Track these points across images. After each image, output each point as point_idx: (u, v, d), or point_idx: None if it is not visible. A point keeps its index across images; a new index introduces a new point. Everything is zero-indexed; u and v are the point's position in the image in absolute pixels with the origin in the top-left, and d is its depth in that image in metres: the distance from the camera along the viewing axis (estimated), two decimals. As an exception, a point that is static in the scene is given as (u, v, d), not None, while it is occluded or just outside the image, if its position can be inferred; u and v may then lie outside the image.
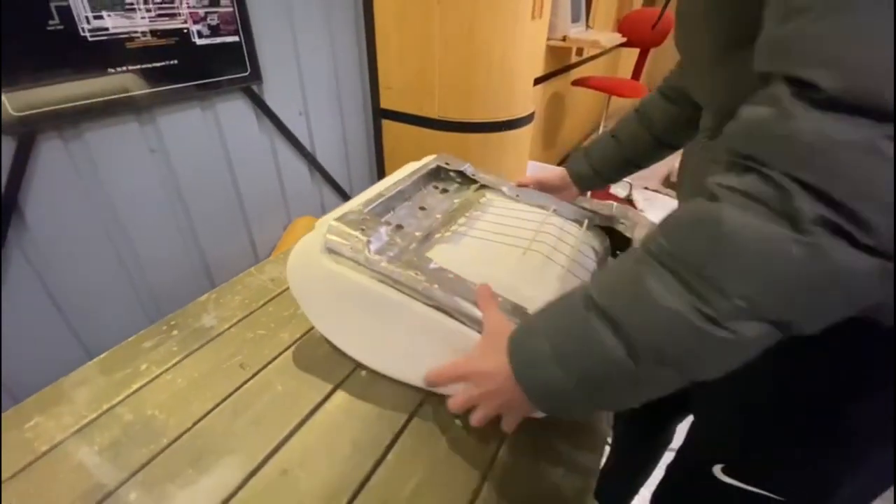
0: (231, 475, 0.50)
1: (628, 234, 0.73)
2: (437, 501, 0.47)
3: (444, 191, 0.79)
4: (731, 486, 0.52)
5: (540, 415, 0.45)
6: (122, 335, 0.67)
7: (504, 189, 0.82)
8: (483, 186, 0.82)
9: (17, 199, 0.90)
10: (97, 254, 1.06)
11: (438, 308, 0.52)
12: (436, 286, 0.52)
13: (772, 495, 0.49)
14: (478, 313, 0.49)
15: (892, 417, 0.41)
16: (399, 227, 0.64)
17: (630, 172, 0.77)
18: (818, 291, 0.27)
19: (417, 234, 0.62)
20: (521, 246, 0.62)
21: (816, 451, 0.46)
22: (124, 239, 1.10)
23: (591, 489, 0.49)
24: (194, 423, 0.55)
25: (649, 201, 2.68)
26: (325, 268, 0.57)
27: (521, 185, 0.82)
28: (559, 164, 0.78)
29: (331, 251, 0.57)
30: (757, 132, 0.28)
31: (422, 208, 0.72)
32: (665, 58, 4.71)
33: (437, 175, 0.82)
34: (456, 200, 0.76)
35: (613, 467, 1.06)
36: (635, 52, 2.89)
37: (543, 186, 0.82)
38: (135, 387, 0.60)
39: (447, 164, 0.83)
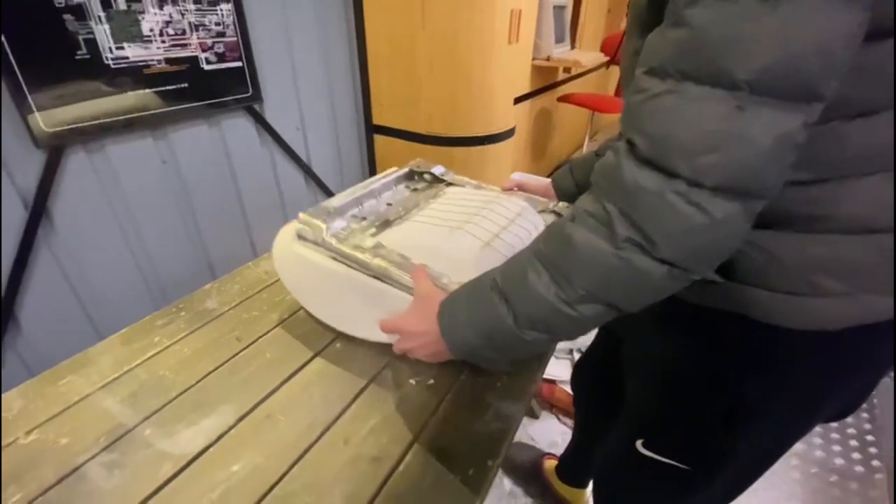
0: (226, 418, 0.62)
1: None
2: (388, 437, 0.60)
3: (414, 189, 0.92)
4: (649, 458, 0.60)
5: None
6: (131, 323, 0.79)
7: (466, 185, 0.93)
8: (450, 184, 0.93)
9: (46, 204, 1.04)
10: (114, 251, 1.19)
11: (375, 276, 0.65)
12: (375, 260, 0.65)
13: (681, 465, 0.58)
14: (406, 279, 0.62)
15: (761, 397, 0.49)
16: (363, 218, 0.77)
17: None
18: (631, 286, 0.39)
19: (376, 222, 0.76)
20: (456, 225, 0.73)
21: (712, 427, 0.53)
22: (138, 239, 1.24)
23: (512, 431, 0.61)
24: (197, 381, 0.68)
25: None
26: (294, 250, 0.71)
27: (506, 190, 0.93)
28: (549, 175, 0.86)
29: (300, 237, 0.71)
30: (604, 172, 0.40)
31: (388, 204, 0.85)
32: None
33: (410, 177, 0.95)
34: (420, 196, 0.88)
35: (574, 451, 1.17)
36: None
37: (527, 193, 0.93)
38: (149, 354, 0.73)
39: (418, 167, 0.95)
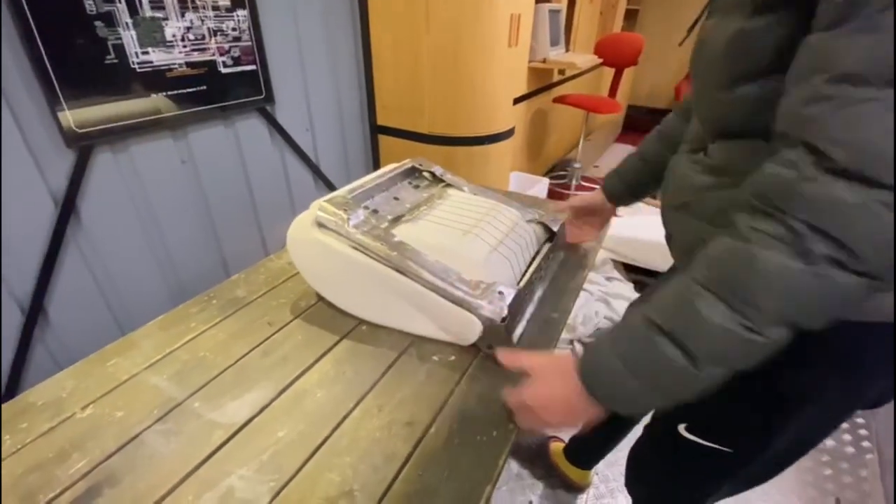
0: (266, 392, 0.68)
1: (553, 228, 0.94)
2: (418, 405, 0.65)
3: (416, 186, 0.99)
4: (692, 441, 0.62)
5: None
6: (150, 316, 0.84)
7: (465, 188, 1.01)
8: (448, 185, 1.01)
9: (75, 201, 1.09)
10: (136, 248, 1.24)
11: (396, 269, 0.71)
12: (395, 253, 0.71)
13: (723, 448, 0.60)
14: (425, 274, 0.69)
15: (815, 384, 0.51)
16: (375, 210, 0.83)
17: (658, 187, 0.77)
18: (826, 303, 0.36)
19: (389, 216, 0.82)
20: (466, 229, 0.81)
21: (755, 410, 0.55)
22: (158, 235, 1.28)
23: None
24: (236, 361, 0.74)
25: (628, 209, 2.89)
26: (314, 237, 0.77)
27: (561, 211, 0.97)
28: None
29: (320, 225, 0.77)
30: (781, 188, 0.36)
31: (395, 198, 0.91)
32: (639, 77, 4.99)
33: (412, 174, 1.02)
34: (424, 194, 0.95)
35: (586, 434, 1.21)
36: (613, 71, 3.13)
37: (585, 208, 0.95)
38: (188, 338, 0.79)
39: (420, 164, 1.02)
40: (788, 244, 0.35)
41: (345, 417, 0.63)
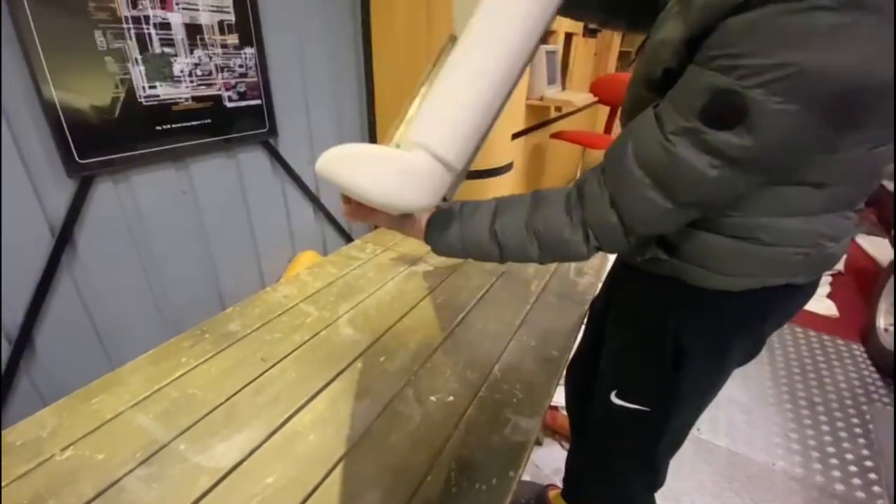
0: (257, 433, 0.65)
1: None
2: (414, 449, 0.63)
3: None
4: (619, 405, 0.72)
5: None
6: (141, 348, 0.82)
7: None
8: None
9: (72, 231, 1.09)
10: (129, 277, 1.23)
11: None
12: None
13: (643, 408, 0.70)
14: None
15: (701, 339, 0.63)
16: None
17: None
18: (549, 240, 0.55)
19: None
20: None
21: (662, 370, 0.66)
22: (153, 264, 1.27)
23: (531, 444, 0.65)
24: (226, 399, 0.71)
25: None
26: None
27: None
28: None
29: None
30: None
31: None
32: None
33: None
34: None
35: (572, 459, 1.19)
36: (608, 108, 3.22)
37: None
38: (178, 374, 0.76)
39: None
40: (578, 229, 0.52)
41: (337, 462, 0.61)
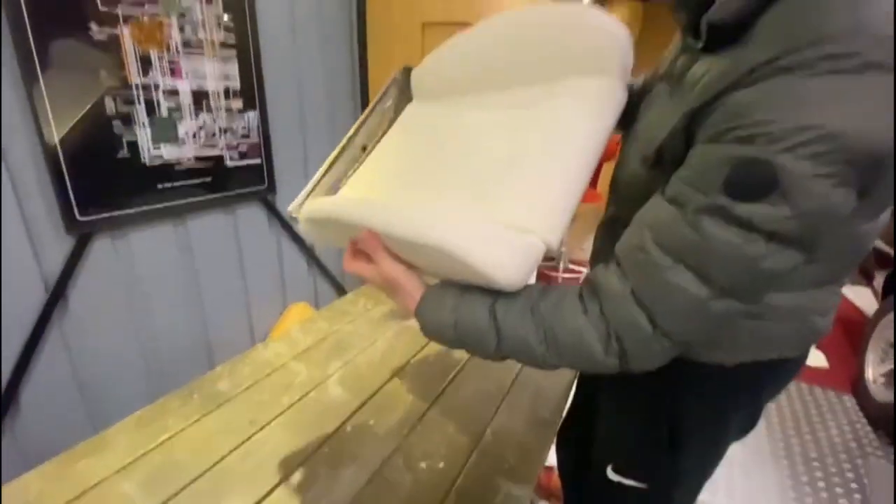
0: (243, 502, 0.64)
1: None
2: (402, 521, 0.62)
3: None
4: (616, 482, 0.70)
5: None
6: (128, 406, 0.81)
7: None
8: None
9: (66, 287, 1.09)
10: (120, 334, 1.22)
11: None
12: None
13: (641, 485, 0.68)
14: None
15: (697, 415, 0.62)
16: None
17: None
18: (580, 359, 0.49)
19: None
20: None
21: (659, 447, 0.65)
22: (144, 321, 1.27)
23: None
24: (213, 465, 0.70)
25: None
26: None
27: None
28: None
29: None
30: (592, 281, 0.49)
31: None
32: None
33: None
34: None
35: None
36: (593, 164, 3.36)
37: None
38: (164, 437, 0.75)
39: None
40: (603, 340, 0.45)
41: (324, 535, 0.59)
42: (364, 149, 0.76)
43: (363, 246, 0.55)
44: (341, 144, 0.75)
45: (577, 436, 1.03)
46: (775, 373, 0.62)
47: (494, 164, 0.56)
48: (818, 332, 0.59)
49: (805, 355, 0.64)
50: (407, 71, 0.78)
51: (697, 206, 0.41)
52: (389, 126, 0.77)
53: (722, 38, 0.43)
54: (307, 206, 0.64)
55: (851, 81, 0.34)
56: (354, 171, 0.74)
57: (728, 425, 0.65)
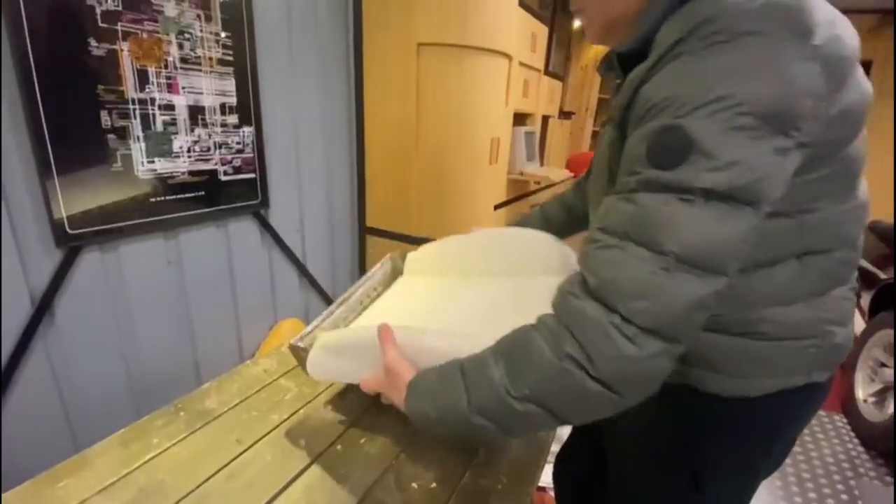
0: (227, 526, 0.62)
1: None
2: (392, 544, 0.60)
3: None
4: None
5: None
6: (112, 425, 0.78)
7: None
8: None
9: (53, 301, 1.07)
10: (106, 349, 1.19)
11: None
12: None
13: None
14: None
15: (723, 453, 0.60)
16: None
17: (569, 231, 0.93)
18: (568, 397, 0.45)
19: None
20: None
21: (683, 492, 0.62)
22: (131, 336, 1.24)
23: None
24: (197, 486, 0.68)
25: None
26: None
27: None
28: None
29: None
30: (562, 296, 0.47)
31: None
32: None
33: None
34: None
35: None
36: (585, 183, 3.41)
37: None
38: (148, 457, 0.73)
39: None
40: (553, 337, 0.44)
41: (312, 559, 0.58)
42: (361, 303, 0.94)
43: (379, 338, 0.61)
44: (341, 298, 0.93)
45: (581, 470, 1.01)
46: (805, 402, 0.59)
47: (482, 313, 0.75)
48: (840, 347, 0.57)
49: (832, 381, 0.60)
50: (402, 255, 1.03)
51: (631, 186, 0.44)
52: (383, 290, 0.99)
53: (632, 62, 0.49)
54: (322, 336, 0.74)
55: (729, 49, 0.40)
56: (355, 318, 0.91)
57: (757, 462, 0.62)
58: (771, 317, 0.53)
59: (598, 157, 0.63)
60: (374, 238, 2.02)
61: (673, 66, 0.43)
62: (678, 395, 0.58)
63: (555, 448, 1.66)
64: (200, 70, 1.25)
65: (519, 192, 3.04)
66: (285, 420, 0.83)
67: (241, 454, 0.75)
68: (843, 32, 0.44)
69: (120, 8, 1.06)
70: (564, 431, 1.72)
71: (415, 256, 1.00)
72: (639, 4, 0.50)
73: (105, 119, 1.09)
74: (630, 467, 0.70)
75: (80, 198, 1.07)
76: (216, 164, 1.34)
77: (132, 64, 1.11)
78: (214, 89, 1.29)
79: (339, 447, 0.77)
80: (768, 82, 0.39)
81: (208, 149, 1.31)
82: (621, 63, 0.54)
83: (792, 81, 0.40)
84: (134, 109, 1.14)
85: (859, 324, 2.35)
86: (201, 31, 1.23)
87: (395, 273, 1.03)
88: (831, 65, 0.41)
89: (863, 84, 0.49)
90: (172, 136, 1.22)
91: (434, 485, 0.70)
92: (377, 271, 1.01)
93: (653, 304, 0.41)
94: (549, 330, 0.45)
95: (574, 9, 0.58)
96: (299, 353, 0.78)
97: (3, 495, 0.64)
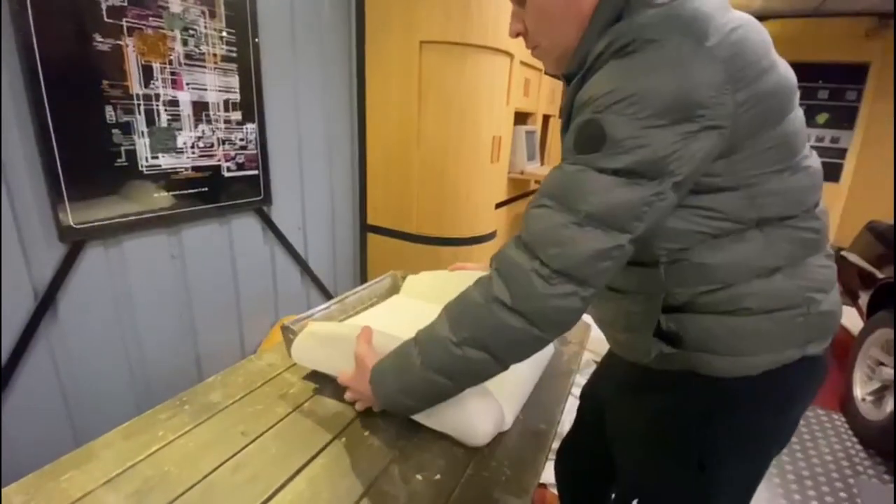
0: (233, 516, 0.62)
1: None
2: (398, 534, 0.61)
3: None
4: None
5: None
6: (112, 420, 0.79)
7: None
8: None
9: (56, 296, 1.07)
10: (108, 344, 1.20)
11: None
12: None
13: None
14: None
15: (728, 434, 0.61)
16: None
17: None
18: (498, 334, 0.57)
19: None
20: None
21: (691, 475, 0.63)
22: (133, 330, 1.25)
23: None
24: (203, 477, 0.68)
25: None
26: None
27: (455, 269, 1.08)
28: None
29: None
30: (502, 248, 0.59)
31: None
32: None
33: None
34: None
35: None
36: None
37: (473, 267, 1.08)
38: (153, 449, 0.73)
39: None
40: (483, 287, 0.57)
41: (318, 548, 0.58)
42: (355, 307, 1.08)
43: (358, 336, 0.75)
44: (339, 298, 1.07)
45: (583, 465, 1.01)
46: (801, 376, 0.61)
47: None
48: (827, 315, 0.60)
49: (827, 357, 0.64)
50: (403, 275, 1.17)
51: (564, 164, 0.55)
52: (378, 301, 1.12)
53: (573, 75, 0.60)
54: (311, 325, 0.88)
55: (636, 56, 0.50)
56: (346, 319, 1.04)
57: (764, 441, 0.64)
58: (753, 290, 0.56)
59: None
60: (375, 236, 2.02)
61: (597, 74, 0.53)
62: (681, 381, 0.61)
63: (555, 445, 1.67)
64: (205, 66, 1.25)
65: (520, 191, 3.04)
66: (290, 413, 0.84)
67: (246, 446, 0.75)
68: (749, 31, 0.53)
69: (125, 3, 1.07)
70: (564, 428, 1.73)
71: (413, 280, 1.13)
72: (579, 34, 0.59)
73: (110, 114, 1.10)
74: (637, 456, 0.71)
75: (84, 193, 1.08)
76: (219, 160, 1.34)
77: (137, 59, 1.11)
78: (218, 86, 1.30)
79: (343, 440, 0.77)
80: (668, 79, 0.48)
81: (212, 145, 1.32)
82: (568, 82, 0.64)
83: (690, 76, 0.48)
84: (138, 105, 1.14)
85: (858, 323, 2.36)
86: (206, 27, 1.24)
87: (394, 289, 1.17)
88: (730, 60, 0.49)
89: (781, 71, 0.55)
90: (176, 132, 1.23)
91: (438, 476, 0.70)
92: (378, 283, 1.15)
93: (564, 251, 0.52)
94: (482, 281, 0.57)
95: (531, 45, 0.67)
96: (288, 336, 0.90)
97: (6, 488, 0.64)
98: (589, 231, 0.51)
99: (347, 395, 0.76)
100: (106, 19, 1.04)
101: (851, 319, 3.01)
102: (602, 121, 0.50)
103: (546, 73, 3.13)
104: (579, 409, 1.00)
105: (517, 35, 0.68)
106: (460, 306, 0.58)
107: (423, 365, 0.59)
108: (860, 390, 2.04)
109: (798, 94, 0.58)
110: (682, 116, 0.48)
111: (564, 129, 0.61)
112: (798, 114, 0.58)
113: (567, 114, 0.59)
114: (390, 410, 0.67)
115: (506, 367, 0.59)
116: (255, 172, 1.46)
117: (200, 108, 1.27)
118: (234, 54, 1.32)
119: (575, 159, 0.53)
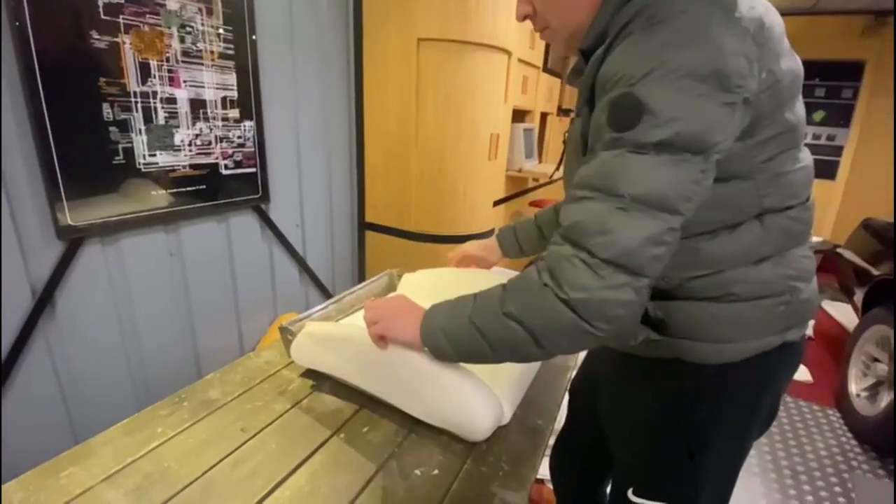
0: (233, 511, 0.62)
1: None
2: (396, 528, 0.61)
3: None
4: (639, 503, 0.69)
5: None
6: (110, 417, 0.79)
7: None
8: None
9: (54, 293, 1.07)
10: (106, 341, 1.20)
11: None
12: None
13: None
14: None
15: (715, 419, 0.62)
16: None
17: (544, 248, 1.02)
18: (544, 318, 0.53)
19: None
20: None
21: (682, 459, 0.65)
22: (132, 328, 1.25)
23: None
24: (203, 473, 0.69)
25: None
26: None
27: (458, 265, 1.07)
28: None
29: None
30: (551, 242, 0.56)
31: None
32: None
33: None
34: None
35: None
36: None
37: (474, 257, 1.07)
38: (153, 445, 0.73)
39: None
40: (537, 273, 0.54)
41: (318, 542, 0.58)
42: (352, 306, 1.10)
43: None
44: (337, 298, 1.10)
45: (578, 459, 1.02)
46: (781, 361, 0.63)
47: None
48: (807, 303, 0.61)
49: (803, 343, 0.66)
50: (400, 274, 1.18)
51: (599, 149, 0.51)
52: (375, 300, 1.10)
53: (591, 51, 0.57)
54: (309, 325, 0.90)
55: (666, 26, 0.47)
56: (343, 318, 1.06)
57: (748, 424, 0.65)
58: (740, 277, 0.57)
59: (570, 140, 0.68)
60: (373, 234, 2.02)
61: (623, 45, 0.50)
62: (667, 369, 0.63)
63: (551, 441, 1.68)
64: (202, 64, 1.25)
65: (518, 188, 3.04)
66: (289, 409, 0.84)
67: (245, 442, 0.75)
68: (769, 12, 0.53)
69: (122, 1, 1.06)
70: (561, 424, 1.74)
71: (409, 279, 1.13)
72: (592, 10, 0.57)
73: (107, 112, 1.10)
74: (630, 445, 0.72)
75: (81, 190, 1.08)
76: (217, 157, 1.34)
77: (134, 57, 1.11)
78: (216, 83, 1.30)
79: (342, 435, 0.78)
80: (701, 48, 0.46)
81: (209, 143, 1.31)
82: (585, 58, 0.60)
83: (723, 46, 0.46)
84: (136, 102, 1.14)
85: (853, 320, 2.38)
86: (203, 24, 1.23)
87: (390, 287, 1.19)
88: (756, 33, 0.48)
89: (793, 58, 0.56)
90: (174, 130, 1.23)
91: (436, 471, 0.71)
92: (375, 282, 1.16)
93: (612, 239, 0.48)
94: (537, 267, 0.55)
95: (539, 27, 0.65)
96: (287, 336, 0.92)
97: (6, 485, 0.64)
98: (636, 216, 0.47)
99: (366, 316, 0.73)
100: (103, 16, 1.04)
101: (846, 316, 3.04)
102: (637, 93, 0.47)
103: (551, 60, 3.13)
104: (570, 403, 1.01)
105: (524, 18, 0.66)
106: (518, 283, 0.56)
107: (472, 316, 0.58)
108: (855, 386, 2.05)
109: (802, 83, 0.58)
110: (720, 86, 0.46)
111: (586, 105, 0.57)
112: (801, 102, 0.59)
113: (589, 90, 0.55)
114: (425, 344, 0.65)
115: (548, 355, 0.57)
116: (253, 170, 1.46)
117: (198, 105, 1.26)
118: (232, 51, 1.31)
119: (612, 142, 0.49)
